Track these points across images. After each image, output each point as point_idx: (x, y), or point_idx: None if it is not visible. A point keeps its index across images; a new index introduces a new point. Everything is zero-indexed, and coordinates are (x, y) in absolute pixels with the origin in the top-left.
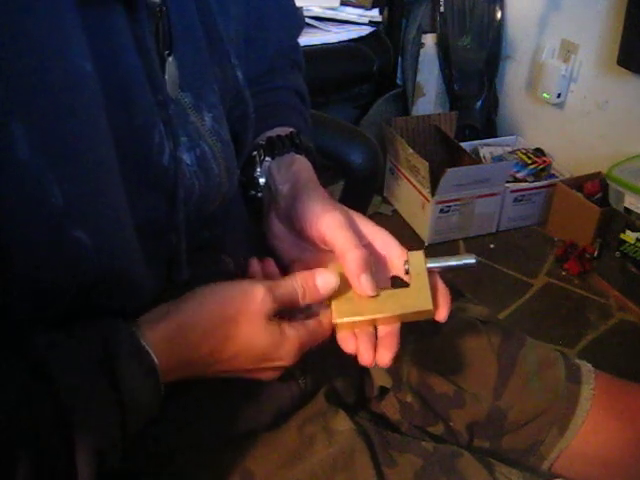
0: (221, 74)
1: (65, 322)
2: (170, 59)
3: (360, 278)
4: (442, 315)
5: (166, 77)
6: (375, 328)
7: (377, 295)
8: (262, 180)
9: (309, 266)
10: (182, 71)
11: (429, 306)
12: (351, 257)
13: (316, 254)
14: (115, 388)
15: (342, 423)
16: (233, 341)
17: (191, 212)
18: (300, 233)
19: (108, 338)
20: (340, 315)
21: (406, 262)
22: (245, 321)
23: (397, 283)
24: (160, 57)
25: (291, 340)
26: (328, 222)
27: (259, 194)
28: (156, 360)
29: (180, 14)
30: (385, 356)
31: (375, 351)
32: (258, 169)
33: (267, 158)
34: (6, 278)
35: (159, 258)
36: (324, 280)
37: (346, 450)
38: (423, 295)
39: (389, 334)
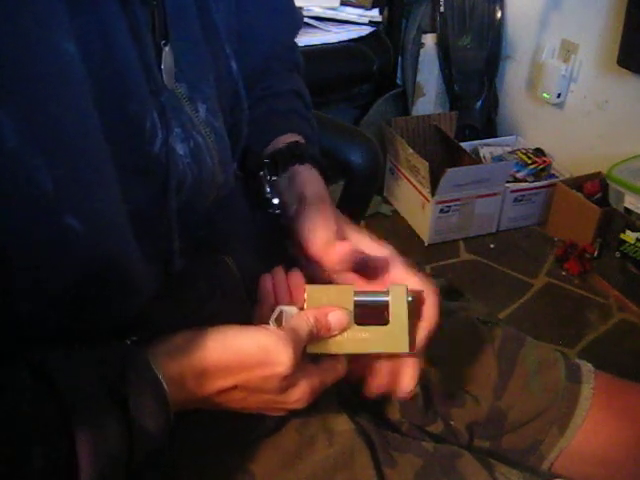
0: (216, 65)
1: (76, 343)
2: (167, 49)
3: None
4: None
5: (162, 67)
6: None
7: (352, 328)
8: (276, 200)
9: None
10: (178, 61)
11: (405, 349)
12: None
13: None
14: (124, 408)
15: (342, 423)
16: (246, 388)
17: (185, 205)
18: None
19: (125, 365)
20: (313, 347)
21: (388, 293)
22: (260, 374)
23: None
24: (156, 47)
25: (302, 388)
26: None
27: (277, 211)
28: (167, 390)
29: (176, 3)
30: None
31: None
32: (268, 189)
33: (274, 177)
34: (4, 278)
35: (154, 251)
36: (337, 318)
37: (346, 450)
38: (401, 336)
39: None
